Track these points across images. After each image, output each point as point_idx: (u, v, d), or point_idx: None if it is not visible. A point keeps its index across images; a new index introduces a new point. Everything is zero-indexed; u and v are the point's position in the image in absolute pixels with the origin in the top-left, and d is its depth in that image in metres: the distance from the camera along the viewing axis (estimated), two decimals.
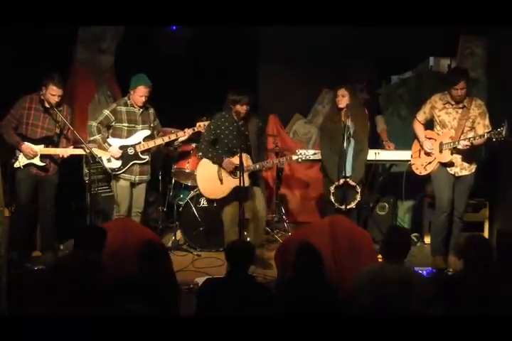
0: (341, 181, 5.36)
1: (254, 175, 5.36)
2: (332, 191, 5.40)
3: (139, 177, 5.57)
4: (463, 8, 4.12)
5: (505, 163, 6.01)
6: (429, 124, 5.55)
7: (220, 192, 5.32)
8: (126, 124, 5.51)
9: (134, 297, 3.54)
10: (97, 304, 3.38)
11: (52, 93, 5.28)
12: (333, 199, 5.40)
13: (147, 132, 5.57)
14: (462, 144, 5.18)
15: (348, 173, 5.42)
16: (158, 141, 5.58)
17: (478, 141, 5.15)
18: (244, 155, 5.14)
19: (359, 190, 5.39)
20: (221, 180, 5.29)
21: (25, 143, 5.30)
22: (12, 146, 5.34)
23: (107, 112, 5.51)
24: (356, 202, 5.39)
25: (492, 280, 3.53)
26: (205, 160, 5.38)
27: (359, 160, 5.49)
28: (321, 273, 3.67)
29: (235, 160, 5.17)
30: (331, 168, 5.50)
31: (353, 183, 5.39)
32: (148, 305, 3.39)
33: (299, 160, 5.33)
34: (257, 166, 5.21)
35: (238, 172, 5.07)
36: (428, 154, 5.45)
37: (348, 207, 5.33)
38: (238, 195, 5.08)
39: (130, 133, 5.53)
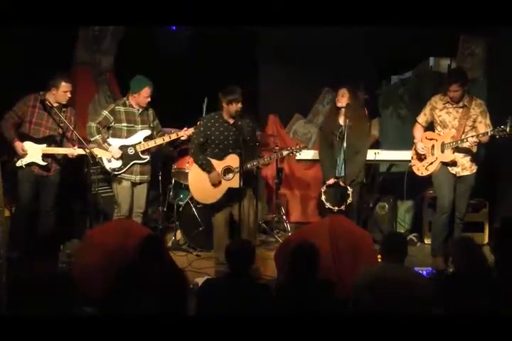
0: (331, 181, 5.34)
1: (249, 176, 5.28)
2: (323, 190, 5.39)
3: (140, 177, 5.56)
4: (463, 8, 4.13)
5: (506, 163, 6.01)
6: (430, 126, 5.56)
7: (212, 196, 5.25)
8: (126, 124, 5.50)
9: (142, 288, 3.55)
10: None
11: (65, 90, 5.33)
12: (324, 199, 5.38)
13: (147, 132, 5.57)
14: (470, 141, 5.17)
15: (342, 173, 5.39)
16: (159, 141, 5.58)
17: (483, 138, 5.15)
18: (233, 156, 5.12)
19: (350, 192, 5.34)
20: (214, 184, 5.23)
21: (25, 143, 5.29)
22: (12, 145, 5.34)
23: (105, 113, 5.50)
24: (347, 203, 5.32)
25: (482, 280, 3.54)
26: (196, 165, 5.33)
27: (354, 162, 5.44)
28: (315, 274, 3.64)
29: (226, 162, 5.17)
30: (325, 167, 5.49)
31: (343, 184, 5.35)
32: (156, 300, 3.40)
33: (291, 154, 5.24)
34: (249, 165, 5.14)
35: (231, 175, 5.11)
36: (420, 156, 5.44)
37: (338, 208, 5.30)
38: (234, 196, 5.08)
39: (130, 133, 5.52)
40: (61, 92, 5.33)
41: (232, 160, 5.14)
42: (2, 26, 4.33)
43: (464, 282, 3.54)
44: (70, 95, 5.39)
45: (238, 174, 5.02)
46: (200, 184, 5.28)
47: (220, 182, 5.19)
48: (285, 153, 5.23)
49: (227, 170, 5.19)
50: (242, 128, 5.16)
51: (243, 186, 5.04)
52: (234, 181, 5.09)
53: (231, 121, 5.19)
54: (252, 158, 5.20)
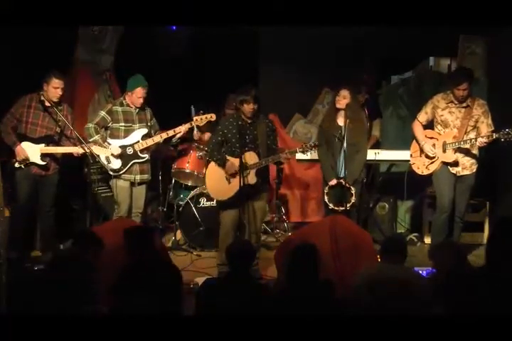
0: (334, 182, 5.34)
1: (263, 175, 5.28)
2: (326, 191, 5.38)
3: (140, 176, 5.56)
4: (463, 8, 4.13)
5: (506, 162, 6.01)
6: (429, 124, 5.55)
7: (227, 192, 5.24)
8: (123, 124, 5.49)
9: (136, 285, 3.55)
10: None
11: (55, 86, 5.29)
12: (327, 200, 5.37)
13: (145, 131, 5.56)
14: (480, 141, 5.16)
15: (343, 174, 5.39)
16: (157, 139, 5.57)
17: (490, 139, 5.14)
18: (251, 153, 5.14)
19: (354, 192, 5.33)
20: (228, 180, 5.24)
21: (22, 143, 5.30)
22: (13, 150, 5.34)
23: (102, 113, 5.49)
24: (351, 204, 5.32)
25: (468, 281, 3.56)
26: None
27: (355, 162, 5.41)
28: (315, 274, 3.63)
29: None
30: (326, 168, 5.46)
31: (347, 185, 5.36)
32: (151, 299, 3.40)
33: (304, 150, 5.20)
34: (263, 162, 5.16)
35: (247, 171, 5.09)
36: (420, 154, 5.45)
37: (342, 208, 5.30)
38: (247, 193, 5.10)
39: (127, 132, 5.51)
40: (51, 88, 5.30)
41: (248, 157, 5.14)
42: (2, 26, 4.33)
43: (460, 283, 3.55)
44: (61, 92, 5.34)
45: (253, 170, 5.10)
46: (216, 179, 5.29)
47: (236, 173, 5.14)
48: (299, 150, 5.22)
49: (243, 167, 5.17)
50: (260, 127, 5.20)
51: (260, 185, 5.16)
52: (249, 177, 5.11)
53: (249, 121, 5.20)
54: (269, 156, 5.20)
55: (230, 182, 5.24)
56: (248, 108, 5.11)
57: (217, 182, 5.30)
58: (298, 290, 3.51)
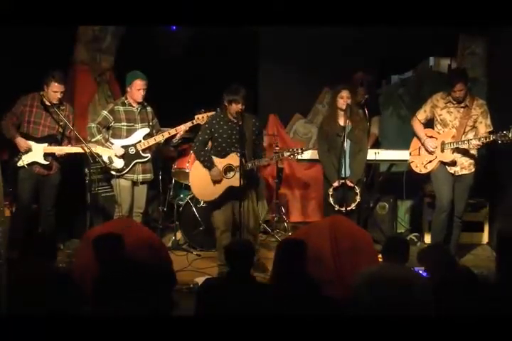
0: (337, 183, 5.34)
1: (250, 176, 5.24)
2: (330, 193, 5.37)
3: (142, 175, 5.55)
4: (463, 8, 4.13)
5: (506, 162, 6.01)
6: (429, 124, 5.56)
7: (212, 193, 5.23)
8: (125, 123, 5.49)
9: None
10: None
11: (55, 90, 5.30)
12: (332, 201, 5.36)
13: (146, 130, 5.56)
14: (474, 144, 5.17)
15: (347, 174, 5.38)
16: (159, 138, 5.57)
17: (487, 141, 5.14)
18: (235, 154, 5.11)
19: (358, 191, 5.34)
20: (214, 181, 5.22)
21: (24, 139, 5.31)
22: (13, 145, 5.34)
23: (104, 113, 5.49)
24: (356, 203, 5.34)
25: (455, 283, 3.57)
26: (198, 162, 5.33)
27: (358, 161, 5.42)
28: (301, 271, 3.61)
29: (227, 160, 5.16)
30: (328, 168, 5.45)
31: (352, 184, 5.36)
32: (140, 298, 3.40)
33: (291, 156, 5.23)
34: (249, 165, 5.13)
35: (232, 173, 5.08)
36: (430, 152, 5.45)
37: (347, 208, 5.29)
38: (234, 195, 5.07)
39: (129, 132, 5.51)
40: (51, 92, 5.31)
41: (234, 158, 5.12)
42: (2, 26, 4.33)
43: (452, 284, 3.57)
44: (60, 96, 5.35)
45: (237, 173, 5.02)
46: (201, 181, 5.26)
47: (221, 180, 5.18)
48: (286, 154, 5.22)
49: (229, 168, 5.17)
50: (246, 127, 5.15)
51: (245, 185, 5.05)
52: (235, 180, 5.07)
53: (236, 120, 5.15)
54: (257, 157, 5.20)
55: (215, 184, 5.22)
56: (236, 108, 5.07)
57: (203, 183, 5.26)
58: (285, 286, 3.52)
